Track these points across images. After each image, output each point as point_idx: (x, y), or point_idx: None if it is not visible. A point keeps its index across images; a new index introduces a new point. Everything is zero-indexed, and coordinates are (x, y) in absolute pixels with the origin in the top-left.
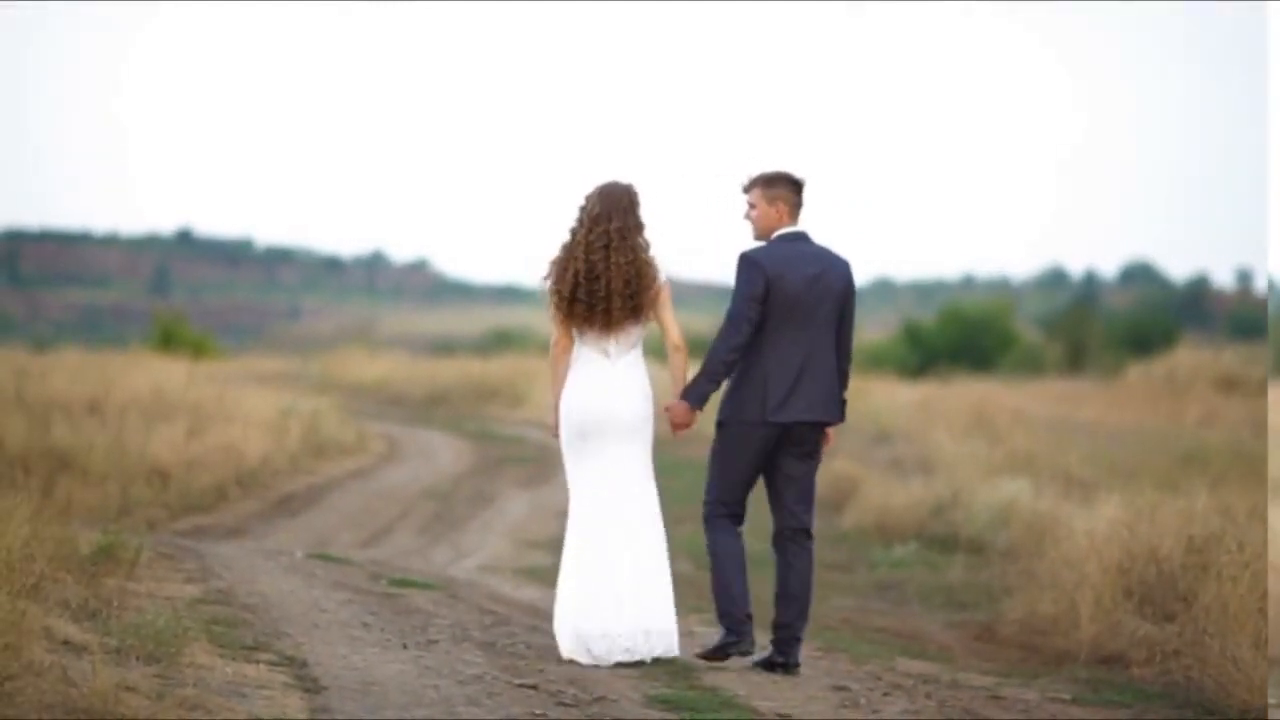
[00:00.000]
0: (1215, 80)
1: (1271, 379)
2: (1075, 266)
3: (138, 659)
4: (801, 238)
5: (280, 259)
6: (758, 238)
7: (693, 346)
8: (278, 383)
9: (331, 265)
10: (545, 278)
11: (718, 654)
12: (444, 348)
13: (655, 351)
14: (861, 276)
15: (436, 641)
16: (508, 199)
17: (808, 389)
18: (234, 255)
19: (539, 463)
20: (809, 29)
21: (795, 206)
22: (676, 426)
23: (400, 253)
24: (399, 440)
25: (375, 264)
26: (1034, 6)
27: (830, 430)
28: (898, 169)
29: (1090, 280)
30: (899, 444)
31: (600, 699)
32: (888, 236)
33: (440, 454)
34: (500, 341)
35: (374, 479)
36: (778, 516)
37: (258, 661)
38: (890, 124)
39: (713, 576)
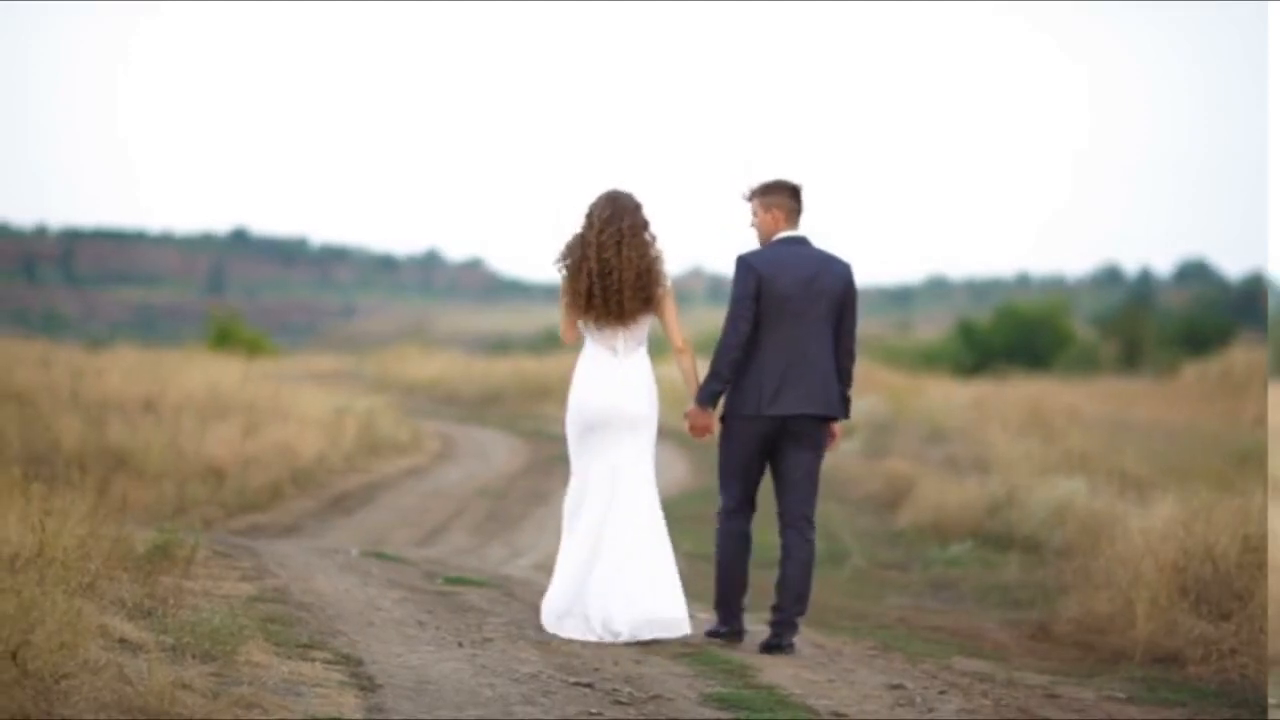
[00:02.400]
0: (1275, 77)
1: (1272, 379)
2: (1130, 265)
3: (194, 657)
4: (800, 241)
5: (335, 258)
6: (761, 243)
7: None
8: (332, 381)
9: (386, 264)
10: (557, 261)
11: (712, 636)
12: (498, 346)
13: (661, 349)
14: (917, 275)
15: (491, 640)
16: (562, 198)
17: (801, 384)
18: (289, 254)
19: None
20: (865, 31)
21: (793, 212)
22: (696, 431)
23: (455, 251)
24: (453, 439)
25: (430, 263)
26: (1099, 6)
27: (836, 427)
28: (955, 168)
29: (1145, 278)
30: (954, 443)
31: (656, 697)
32: (943, 235)
33: (495, 453)
34: (554, 340)
35: (429, 478)
36: (780, 505)
37: (313, 660)
38: (948, 122)
39: (716, 565)
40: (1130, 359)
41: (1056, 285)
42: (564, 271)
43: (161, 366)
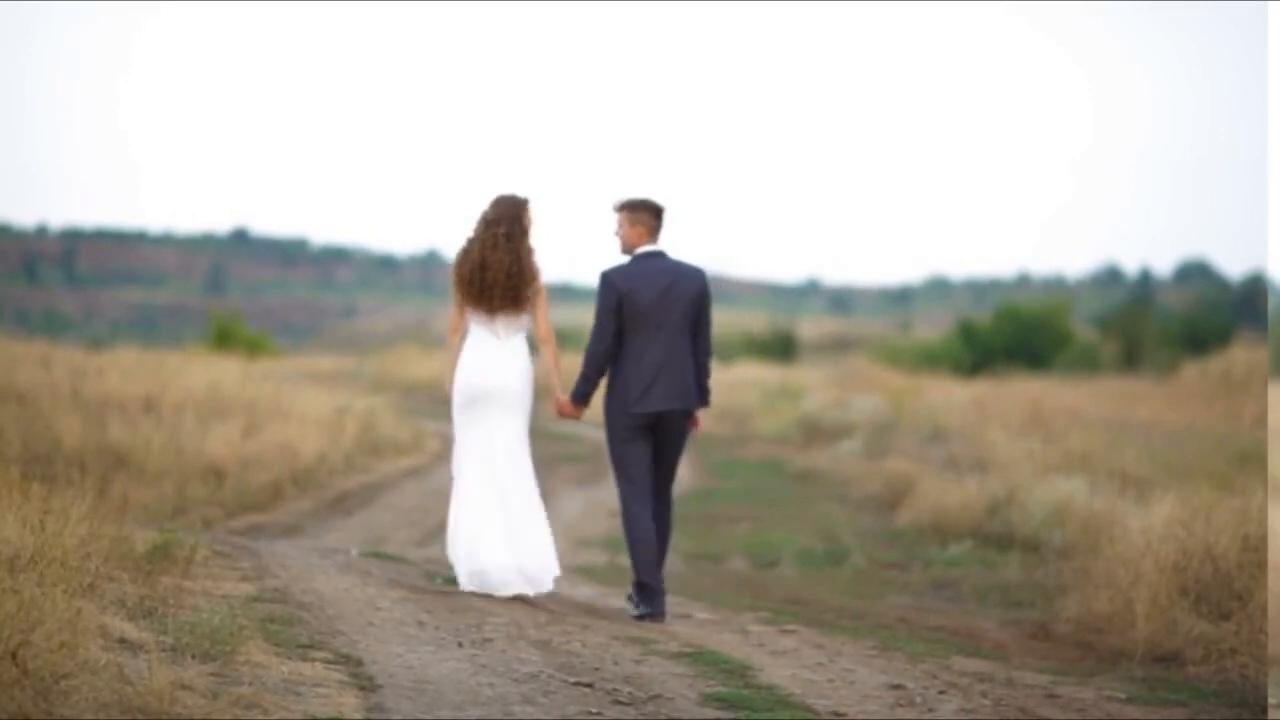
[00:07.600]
0: (1275, 77)
1: (1272, 379)
2: (1131, 265)
3: (193, 657)
4: (657, 255)
5: (335, 258)
6: (623, 253)
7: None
8: (333, 381)
9: (386, 264)
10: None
11: (641, 619)
12: None
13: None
14: (917, 275)
15: (491, 640)
16: (560, 198)
17: (664, 383)
18: (290, 254)
19: (593, 461)
20: (866, 30)
21: (654, 229)
22: (562, 416)
23: (454, 251)
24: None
25: (430, 262)
26: (1099, 6)
27: (699, 415)
28: (955, 168)
29: (1146, 278)
30: (954, 442)
31: (656, 697)
32: (943, 235)
33: None
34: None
35: (429, 477)
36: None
37: (313, 660)
38: (949, 122)
39: (629, 552)
40: (1130, 359)
41: (1057, 285)
42: (456, 259)
43: (162, 366)
